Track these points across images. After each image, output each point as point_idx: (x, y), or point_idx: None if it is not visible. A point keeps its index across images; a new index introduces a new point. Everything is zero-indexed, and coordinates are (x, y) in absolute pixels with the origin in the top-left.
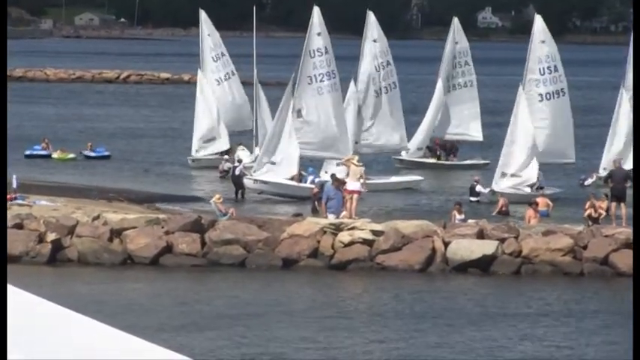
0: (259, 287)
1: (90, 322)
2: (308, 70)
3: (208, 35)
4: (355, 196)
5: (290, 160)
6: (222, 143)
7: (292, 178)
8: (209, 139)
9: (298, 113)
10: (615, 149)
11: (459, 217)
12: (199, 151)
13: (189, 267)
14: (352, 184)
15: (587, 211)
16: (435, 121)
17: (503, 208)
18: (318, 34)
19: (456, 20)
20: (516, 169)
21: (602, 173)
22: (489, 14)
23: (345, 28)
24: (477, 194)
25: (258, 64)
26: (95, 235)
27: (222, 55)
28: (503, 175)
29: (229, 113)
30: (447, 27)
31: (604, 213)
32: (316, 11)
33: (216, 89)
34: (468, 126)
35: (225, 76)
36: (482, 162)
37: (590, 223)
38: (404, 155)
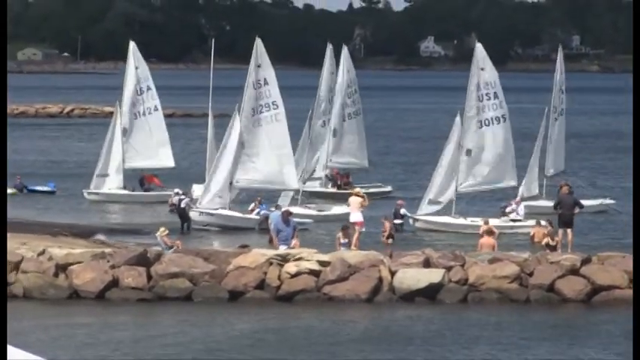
0: (206, 320)
1: (35, 358)
2: (251, 102)
3: (137, 68)
4: (357, 227)
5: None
6: (114, 181)
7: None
8: (103, 174)
9: (242, 145)
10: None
11: (342, 240)
12: (96, 185)
13: (135, 301)
14: (354, 216)
15: (545, 240)
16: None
17: (385, 232)
18: (258, 66)
19: (345, 49)
20: (437, 196)
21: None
22: (432, 43)
23: (288, 59)
24: (402, 217)
25: (201, 95)
26: (40, 270)
27: (149, 88)
28: (430, 202)
29: (146, 149)
30: (391, 56)
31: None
32: (258, 43)
33: (134, 123)
34: (356, 154)
35: (146, 110)
36: (385, 190)
37: (548, 251)
38: (301, 186)
